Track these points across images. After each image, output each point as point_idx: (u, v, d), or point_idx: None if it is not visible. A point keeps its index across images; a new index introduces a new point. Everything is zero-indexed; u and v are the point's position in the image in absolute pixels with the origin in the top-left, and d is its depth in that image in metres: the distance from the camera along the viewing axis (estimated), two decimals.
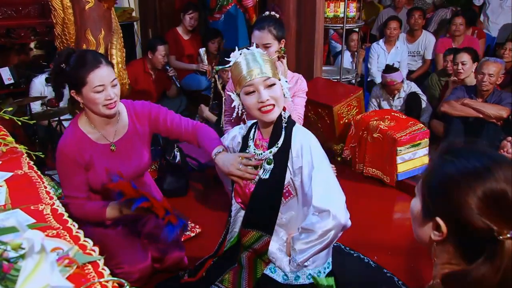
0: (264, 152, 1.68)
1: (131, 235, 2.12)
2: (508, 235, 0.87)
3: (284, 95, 1.65)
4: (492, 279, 0.87)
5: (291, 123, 1.70)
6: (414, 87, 4.25)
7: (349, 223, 1.59)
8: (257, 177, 1.67)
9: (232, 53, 1.66)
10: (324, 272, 1.79)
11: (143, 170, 2.08)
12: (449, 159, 0.97)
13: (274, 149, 1.66)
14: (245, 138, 1.77)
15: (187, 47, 4.89)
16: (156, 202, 1.65)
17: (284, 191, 1.67)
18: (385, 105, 4.31)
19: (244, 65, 1.59)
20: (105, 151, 1.91)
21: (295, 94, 2.77)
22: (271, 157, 1.66)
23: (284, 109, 1.69)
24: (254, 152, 1.70)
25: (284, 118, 1.69)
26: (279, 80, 1.64)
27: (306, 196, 1.64)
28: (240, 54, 1.64)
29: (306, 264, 1.72)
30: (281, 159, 1.65)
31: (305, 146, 1.64)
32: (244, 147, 1.76)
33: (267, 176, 1.65)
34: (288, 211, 1.70)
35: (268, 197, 1.67)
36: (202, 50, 4.11)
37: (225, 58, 1.68)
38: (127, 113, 1.99)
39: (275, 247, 1.71)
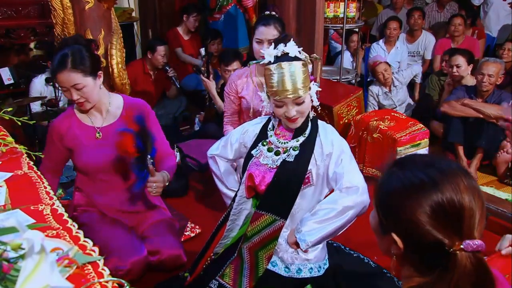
0: (289, 141, 1.73)
1: (124, 228, 2.14)
2: (461, 246, 0.85)
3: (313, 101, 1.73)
4: None
5: (315, 116, 1.79)
6: (407, 74, 4.34)
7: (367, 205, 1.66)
8: (281, 160, 1.71)
9: (269, 50, 1.66)
10: (324, 268, 1.80)
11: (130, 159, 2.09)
12: (395, 172, 0.96)
13: (301, 138, 1.72)
14: (263, 129, 1.80)
15: (187, 47, 4.91)
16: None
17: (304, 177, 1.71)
18: (383, 100, 4.33)
19: (278, 80, 1.60)
20: (90, 135, 2.05)
21: None
22: (298, 145, 1.71)
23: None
24: (278, 141, 1.74)
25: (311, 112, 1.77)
26: (310, 89, 1.69)
27: (327, 181, 1.73)
28: (274, 61, 1.63)
29: (308, 258, 1.73)
30: (307, 146, 1.71)
31: (335, 136, 1.76)
32: (262, 137, 1.78)
33: (292, 160, 1.69)
34: (300, 199, 1.72)
35: (290, 180, 1.70)
36: (202, 50, 4.13)
37: (260, 55, 1.73)
38: (123, 105, 2.12)
39: (284, 235, 1.74)
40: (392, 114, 3.57)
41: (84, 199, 2.16)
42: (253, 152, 1.77)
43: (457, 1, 5.85)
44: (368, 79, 4.98)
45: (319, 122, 1.78)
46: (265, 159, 1.74)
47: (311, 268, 1.75)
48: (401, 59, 4.91)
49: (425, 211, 0.88)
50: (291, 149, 1.71)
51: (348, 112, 3.62)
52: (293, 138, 1.74)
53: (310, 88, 1.69)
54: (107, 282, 1.02)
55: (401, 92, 4.37)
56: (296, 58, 1.63)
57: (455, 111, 3.55)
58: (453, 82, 3.92)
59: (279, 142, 1.74)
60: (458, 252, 0.85)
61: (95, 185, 2.11)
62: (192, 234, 2.68)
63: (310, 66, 1.78)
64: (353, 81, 4.59)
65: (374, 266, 2.37)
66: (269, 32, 2.57)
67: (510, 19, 5.45)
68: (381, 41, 4.98)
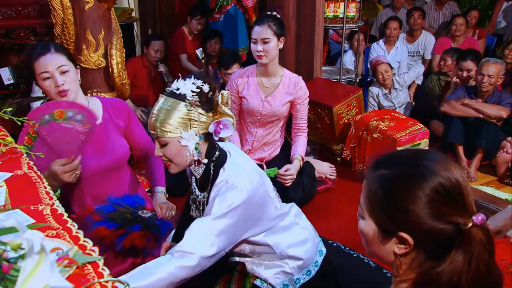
0: (200, 193, 1.64)
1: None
2: (472, 223, 0.89)
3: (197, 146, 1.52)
4: (466, 266, 0.89)
5: (219, 164, 1.56)
6: (409, 77, 4.44)
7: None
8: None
9: (181, 83, 1.51)
10: (315, 270, 1.76)
11: (119, 161, 2.04)
12: (386, 172, 0.96)
13: (206, 194, 1.60)
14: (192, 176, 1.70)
15: (190, 47, 4.92)
16: (134, 237, 1.77)
17: None
18: (383, 101, 4.33)
19: (152, 110, 1.51)
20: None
21: (297, 101, 2.80)
22: (205, 202, 1.60)
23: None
24: (194, 191, 1.66)
25: (213, 160, 1.57)
26: (181, 135, 1.48)
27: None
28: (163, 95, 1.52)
29: (291, 271, 1.69)
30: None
31: (221, 191, 1.49)
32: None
33: None
34: (241, 246, 1.64)
35: None
36: (198, 51, 4.13)
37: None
38: (102, 106, 2.01)
39: (252, 267, 1.69)
40: (392, 114, 3.57)
41: (70, 204, 2.05)
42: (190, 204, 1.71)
43: (457, 1, 5.85)
44: (368, 79, 4.99)
45: (224, 173, 1.53)
46: (194, 212, 1.69)
47: (298, 279, 1.72)
48: (401, 59, 4.91)
49: (432, 198, 0.89)
50: (202, 206, 1.64)
51: (348, 112, 3.62)
52: (201, 191, 1.63)
53: (180, 134, 1.47)
54: (107, 282, 1.02)
55: (401, 95, 4.38)
56: (181, 97, 1.48)
57: (455, 111, 3.55)
58: (460, 82, 3.91)
59: (195, 195, 1.66)
60: (472, 229, 0.89)
61: (83, 191, 2.00)
62: None
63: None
64: (353, 81, 4.60)
65: (374, 266, 2.37)
66: (262, 31, 2.58)
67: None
68: (381, 41, 4.98)
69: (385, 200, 0.95)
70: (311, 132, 3.53)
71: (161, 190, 2.06)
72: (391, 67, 4.34)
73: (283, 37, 2.67)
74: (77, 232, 1.22)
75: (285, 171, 2.77)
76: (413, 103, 4.61)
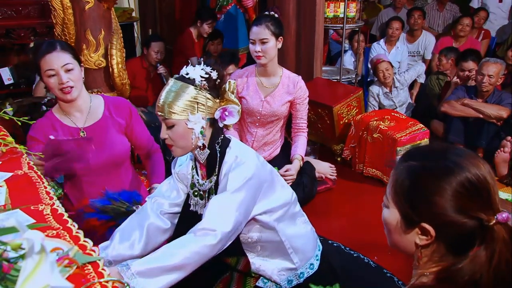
0: (205, 181, 1.63)
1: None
2: (495, 220, 0.90)
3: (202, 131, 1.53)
4: (488, 264, 0.90)
5: (224, 145, 1.59)
6: (410, 76, 4.41)
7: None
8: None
9: (190, 68, 1.53)
10: (316, 264, 1.77)
11: (118, 158, 2.07)
12: (415, 164, 0.97)
13: (214, 178, 1.60)
14: (193, 169, 1.70)
15: (197, 49, 4.91)
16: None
17: None
18: (384, 100, 4.33)
19: (161, 93, 1.52)
20: (74, 136, 1.99)
21: (296, 101, 2.80)
22: (213, 187, 1.60)
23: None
24: (198, 182, 1.65)
25: (218, 143, 1.59)
26: (188, 118, 1.49)
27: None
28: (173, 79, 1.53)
29: (295, 265, 1.70)
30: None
31: (234, 167, 1.53)
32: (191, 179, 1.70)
33: None
34: (250, 232, 1.65)
35: None
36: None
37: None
38: (104, 104, 2.06)
39: (257, 264, 1.69)
40: (392, 114, 3.57)
41: (72, 202, 2.09)
42: (189, 202, 1.70)
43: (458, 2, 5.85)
44: (368, 79, 4.99)
45: (228, 149, 1.57)
46: (195, 206, 1.68)
47: (302, 273, 1.73)
48: (401, 59, 4.91)
49: (459, 192, 0.91)
50: (209, 193, 1.63)
51: (348, 112, 3.62)
52: (207, 178, 1.62)
53: (188, 118, 1.49)
54: (107, 282, 1.02)
55: (402, 93, 4.38)
56: (190, 81, 1.50)
57: (455, 111, 3.55)
58: (461, 82, 3.91)
59: (199, 184, 1.64)
60: (495, 226, 0.90)
61: (82, 189, 2.04)
62: None
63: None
64: (353, 81, 4.60)
65: (374, 266, 2.37)
66: (260, 31, 2.58)
67: (507, 19, 5.46)
68: (381, 41, 4.98)
69: (411, 190, 0.96)
70: (311, 132, 3.53)
71: (157, 186, 2.07)
72: (392, 66, 4.34)
73: (281, 37, 2.66)
74: (77, 232, 1.22)
75: (285, 171, 2.77)
76: (414, 104, 4.61)
